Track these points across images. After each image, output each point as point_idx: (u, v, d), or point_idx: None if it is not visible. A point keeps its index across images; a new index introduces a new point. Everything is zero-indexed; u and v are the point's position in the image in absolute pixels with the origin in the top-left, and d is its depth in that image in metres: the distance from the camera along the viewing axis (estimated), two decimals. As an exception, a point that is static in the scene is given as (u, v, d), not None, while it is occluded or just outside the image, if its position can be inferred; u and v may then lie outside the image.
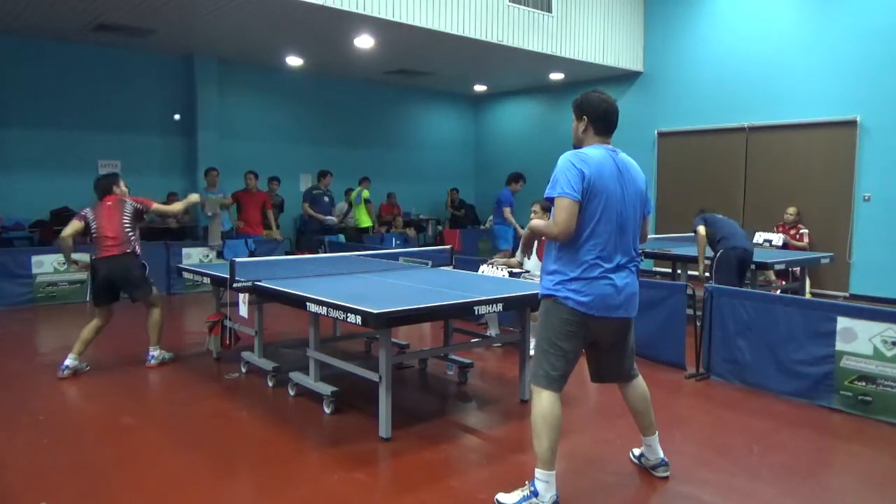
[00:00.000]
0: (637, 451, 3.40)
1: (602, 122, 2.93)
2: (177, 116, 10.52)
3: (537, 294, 3.02)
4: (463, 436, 3.86)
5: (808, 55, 8.96)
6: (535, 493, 2.84)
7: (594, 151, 2.86)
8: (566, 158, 2.82)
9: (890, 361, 3.98)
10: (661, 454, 3.25)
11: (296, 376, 4.44)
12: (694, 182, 10.34)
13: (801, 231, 8.71)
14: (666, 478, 3.22)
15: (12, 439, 3.70)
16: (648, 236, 3.41)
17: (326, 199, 10.33)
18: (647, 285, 5.50)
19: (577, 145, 2.99)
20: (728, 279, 5.77)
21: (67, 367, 4.88)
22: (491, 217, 13.26)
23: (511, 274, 5.45)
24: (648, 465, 3.29)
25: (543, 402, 2.86)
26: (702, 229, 6.12)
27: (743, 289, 5.31)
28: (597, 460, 3.47)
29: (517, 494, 2.89)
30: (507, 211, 8.76)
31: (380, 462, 3.47)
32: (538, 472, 2.86)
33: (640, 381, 3.18)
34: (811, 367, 4.32)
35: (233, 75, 11.05)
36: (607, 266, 2.83)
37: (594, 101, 2.93)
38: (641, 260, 3.10)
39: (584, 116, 2.94)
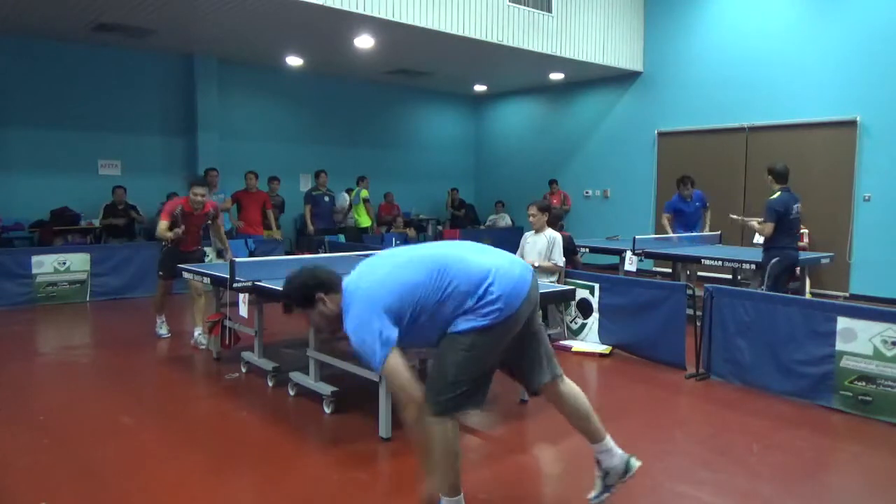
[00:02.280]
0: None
1: (323, 279, 2.63)
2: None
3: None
4: (463, 436, 3.85)
5: (808, 55, 8.96)
6: None
7: (355, 279, 2.60)
8: (358, 312, 2.48)
9: (890, 361, 3.97)
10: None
11: (296, 376, 4.44)
12: (694, 182, 10.33)
13: (801, 231, 8.71)
14: None
15: (13, 439, 3.70)
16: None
17: (327, 198, 10.33)
18: (647, 285, 5.51)
19: (340, 311, 2.59)
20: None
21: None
22: (493, 217, 13.30)
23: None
24: None
25: (449, 431, 2.54)
26: None
27: (742, 289, 5.31)
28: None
29: None
30: (665, 218, 8.24)
31: (380, 462, 3.47)
32: (449, 501, 2.59)
33: None
34: (811, 367, 4.32)
35: (233, 75, 11.04)
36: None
37: (309, 275, 2.64)
38: None
39: (319, 293, 2.61)
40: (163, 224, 5.68)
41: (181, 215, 5.73)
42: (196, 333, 5.86)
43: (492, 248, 2.78)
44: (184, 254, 5.85)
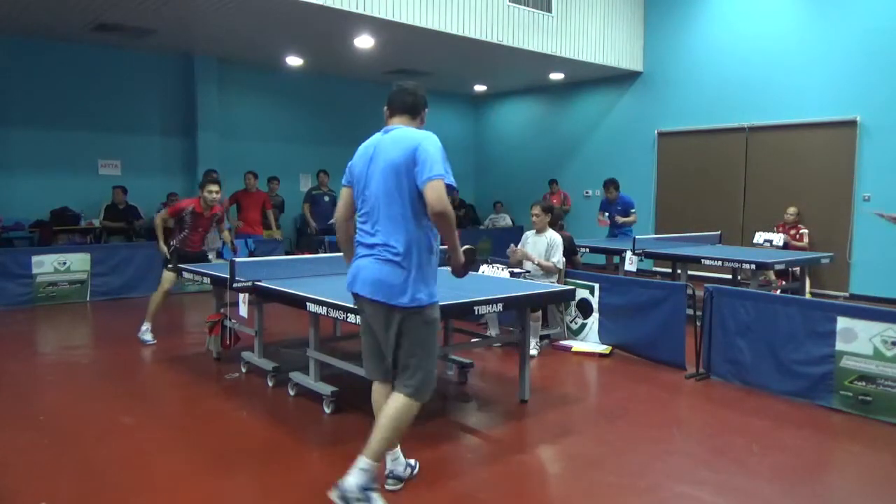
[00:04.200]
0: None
1: (389, 104, 3.07)
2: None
3: (536, 294, 2.98)
4: (463, 436, 3.86)
5: (808, 55, 8.96)
6: None
7: (372, 138, 3.01)
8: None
9: (890, 361, 3.98)
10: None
11: (296, 376, 4.44)
12: (694, 182, 10.35)
13: (801, 231, 8.71)
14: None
15: (12, 439, 3.70)
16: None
17: (327, 198, 10.33)
18: (647, 285, 5.52)
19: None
20: None
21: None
22: (493, 216, 13.28)
23: (512, 274, 5.46)
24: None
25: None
26: None
27: (742, 289, 5.31)
28: (597, 460, 3.47)
29: None
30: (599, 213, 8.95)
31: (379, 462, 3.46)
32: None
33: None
34: (811, 367, 4.32)
35: (233, 75, 11.04)
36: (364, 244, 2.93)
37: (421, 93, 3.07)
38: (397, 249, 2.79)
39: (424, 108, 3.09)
40: (163, 213, 5.90)
41: (191, 216, 5.77)
42: (143, 328, 5.89)
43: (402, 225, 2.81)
44: (189, 253, 5.87)
